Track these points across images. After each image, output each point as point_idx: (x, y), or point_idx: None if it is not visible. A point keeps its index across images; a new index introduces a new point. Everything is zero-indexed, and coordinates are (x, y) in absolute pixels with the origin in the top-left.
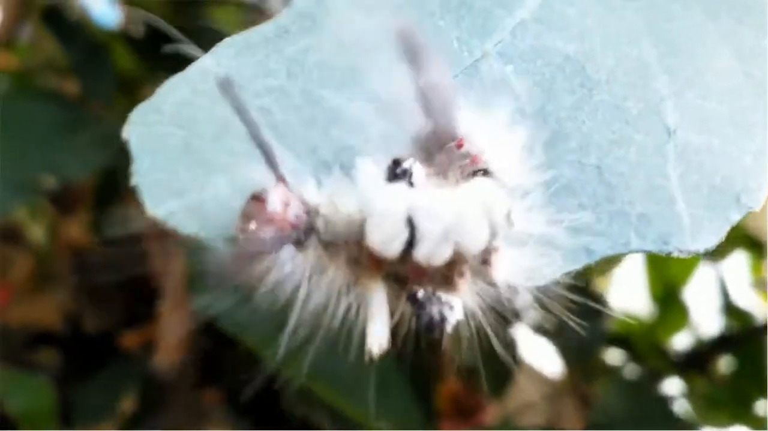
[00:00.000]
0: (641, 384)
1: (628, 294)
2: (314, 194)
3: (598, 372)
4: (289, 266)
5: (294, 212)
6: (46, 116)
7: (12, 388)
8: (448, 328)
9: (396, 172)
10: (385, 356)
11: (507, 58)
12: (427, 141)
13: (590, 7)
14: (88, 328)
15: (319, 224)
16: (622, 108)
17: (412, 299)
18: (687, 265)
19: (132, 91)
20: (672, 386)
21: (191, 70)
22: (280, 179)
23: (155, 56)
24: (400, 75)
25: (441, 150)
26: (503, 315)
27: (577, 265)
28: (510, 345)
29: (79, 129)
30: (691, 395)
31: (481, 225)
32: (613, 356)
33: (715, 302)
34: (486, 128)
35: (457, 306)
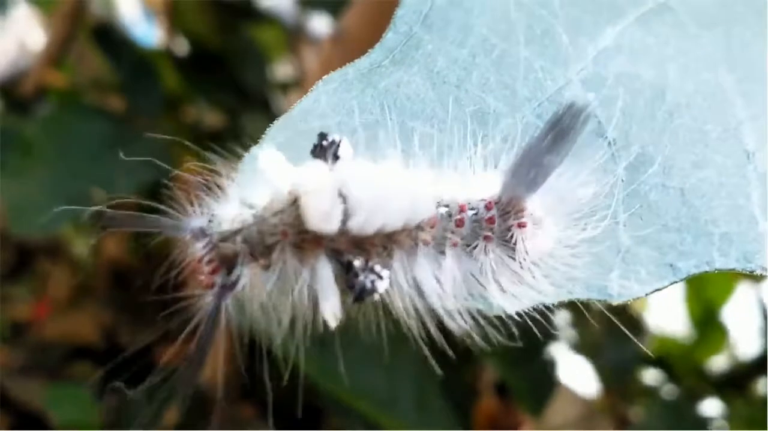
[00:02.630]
0: (680, 405)
1: (667, 315)
2: (231, 219)
3: (635, 393)
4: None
5: (205, 268)
6: (93, 132)
7: (56, 399)
8: (376, 296)
9: (323, 145)
10: (424, 372)
11: (589, 85)
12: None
13: (668, 36)
14: (125, 343)
15: (236, 244)
16: (703, 131)
17: (348, 267)
18: (726, 286)
19: (176, 108)
20: (710, 407)
21: (295, 110)
22: (194, 234)
23: (198, 75)
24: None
25: (499, 212)
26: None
27: (664, 282)
28: (549, 364)
29: (125, 145)
30: (729, 416)
31: (403, 199)
32: (652, 376)
33: (755, 324)
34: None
35: (385, 277)
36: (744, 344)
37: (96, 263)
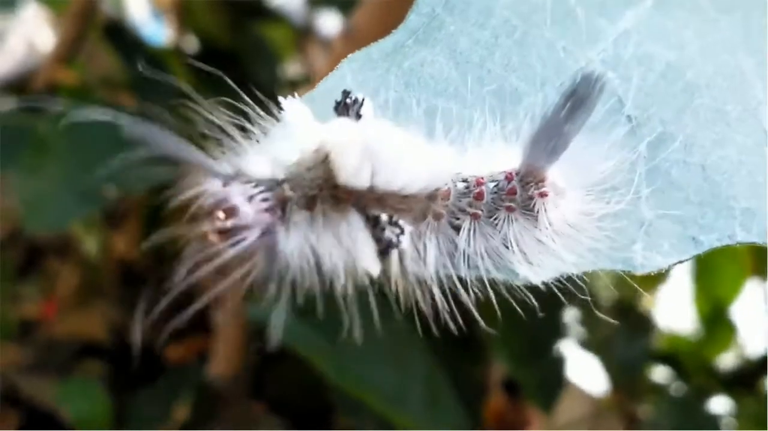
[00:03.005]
0: (688, 402)
1: (676, 313)
2: (267, 168)
3: (644, 390)
4: (287, 241)
5: (259, 203)
6: (104, 130)
7: (68, 395)
8: (400, 249)
9: (346, 102)
10: (434, 369)
11: (610, 65)
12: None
13: (688, 19)
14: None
15: (286, 191)
16: (723, 111)
17: (375, 221)
18: (735, 284)
19: (186, 107)
20: (719, 404)
21: (320, 87)
22: (227, 179)
23: (208, 74)
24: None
25: (520, 183)
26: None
27: (686, 255)
28: (558, 362)
29: (137, 142)
30: (738, 413)
31: (422, 164)
32: (660, 374)
33: (763, 321)
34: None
35: (407, 231)
36: (752, 341)
37: (105, 261)
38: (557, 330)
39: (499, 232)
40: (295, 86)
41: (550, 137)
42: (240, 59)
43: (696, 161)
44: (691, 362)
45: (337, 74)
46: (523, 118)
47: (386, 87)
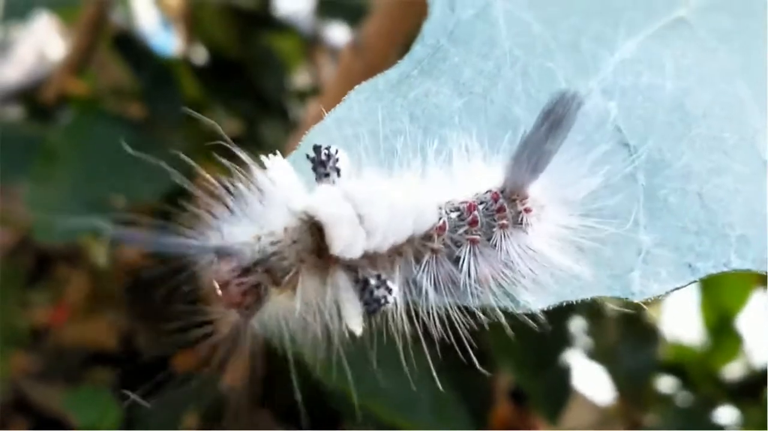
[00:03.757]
0: (694, 412)
1: (682, 323)
2: (251, 245)
3: (650, 400)
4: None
5: (236, 287)
6: (114, 139)
7: (76, 402)
8: (387, 308)
9: (321, 159)
10: (441, 377)
11: (610, 94)
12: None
13: (686, 49)
14: (141, 348)
15: (265, 272)
16: (720, 139)
17: (364, 284)
18: (741, 294)
19: (195, 117)
20: (725, 414)
21: (329, 119)
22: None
23: (217, 83)
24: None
25: (506, 200)
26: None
27: (682, 282)
28: (564, 371)
29: (147, 152)
30: (744, 423)
31: (409, 214)
32: (666, 383)
33: None
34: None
35: (394, 290)
36: (759, 351)
37: (114, 269)
38: (564, 340)
39: (499, 251)
40: (303, 97)
41: (531, 155)
42: (248, 69)
43: (693, 189)
44: (698, 372)
45: (344, 106)
46: None
47: (391, 117)
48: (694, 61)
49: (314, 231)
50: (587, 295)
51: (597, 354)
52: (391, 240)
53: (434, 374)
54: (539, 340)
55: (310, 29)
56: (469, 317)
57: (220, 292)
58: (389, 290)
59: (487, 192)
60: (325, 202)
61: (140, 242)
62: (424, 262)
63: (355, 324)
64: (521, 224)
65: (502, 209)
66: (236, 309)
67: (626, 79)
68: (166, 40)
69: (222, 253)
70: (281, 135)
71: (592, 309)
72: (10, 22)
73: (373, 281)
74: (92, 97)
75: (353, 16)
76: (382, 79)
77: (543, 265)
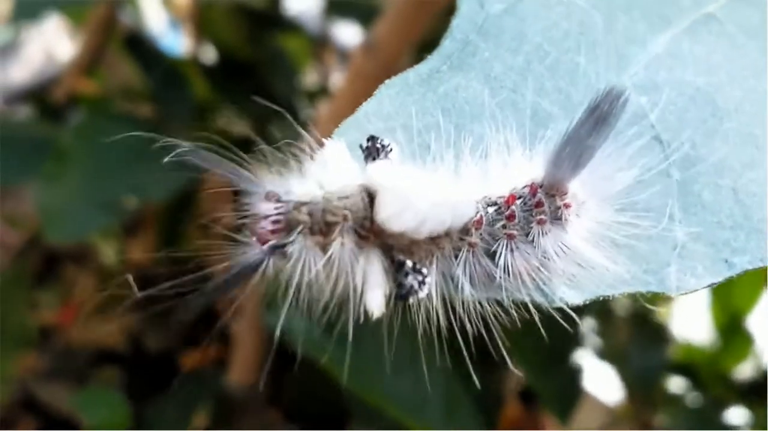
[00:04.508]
0: (705, 413)
1: (692, 323)
2: (304, 193)
3: (660, 400)
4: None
5: (269, 223)
6: (125, 139)
7: (87, 403)
8: (420, 297)
9: (375, 146)
10: (452, 378)
11: (642, 89)
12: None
13: (716, 45)
14: (149, 348)
15: (302, 216)
16: (752, 135)
17: (399, 266)
18: (751, 294)
19: (205, 117)
20: (736, 415)
21: (360, 112)
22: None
23: (227, 83)
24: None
25: (545, 195)
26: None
27: (720, 277)
28: (575, 371)
29: (157, 153)
30: (755, 424)
31: (448, 207)
32: (676, 384)
33: None
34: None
35: (429, 281)
36: None
37: (121, 268)
38: (574, 340)
39: (536, 247)
40: (312, 97)
41: (574, 151)
42: (257, 70)
43: (727, 184)
44: (708, 372)
45: (375, 99)
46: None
47: (423, 111)
48: (724, 56)
49: (366, 200)
50: (623, 290)
51: (607, 355)
52: (429, 228)
53: (446, 374)
54: (550, 340)
55: (318, 29)
56: (485, 316)
57: (255, 223)
58: (423, 281)
59: (525, 187)
60: (381, 172)
61: (206, 162)
62: (462, 256)
63: (375, 303)
64: (560, 219)
65: (541, 204)
66: (262, 242)
67: (658, 74)
68: (175, 41)
69: (271, 194)
70: (292, 135)
71: (602, 310)
72: (20, 23)
73: (409, 265)
74: (102, 97)
75: (364, 15)
76: (412, 74)
77: (579, 262)
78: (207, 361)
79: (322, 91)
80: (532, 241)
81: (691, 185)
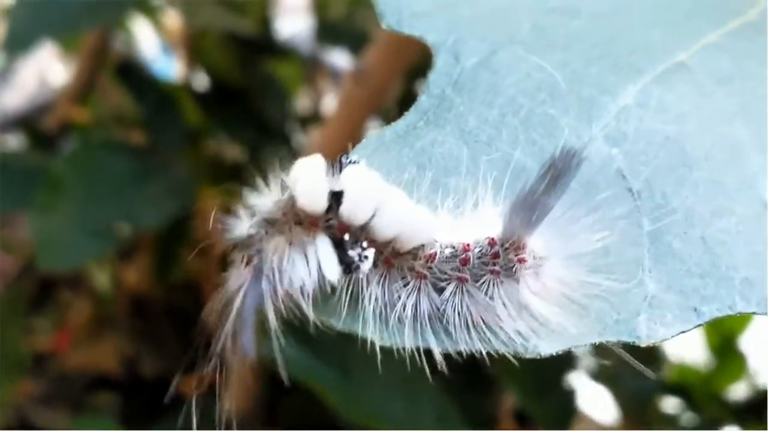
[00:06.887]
0: None
1: (685, 343)
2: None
3: (655, 421)
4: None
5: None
6: (118, 166)
7: (84, 428)
8: (363, 271)
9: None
10: (445, 398)
11: (612, 140)
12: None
13: (686, 93)
14: (145, 373)
15: (254, 228)
16: (721, 183)
17: (339, 243)
18: (744, 314)
19: (197, 143)
20: None
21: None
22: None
23: (219, 109)
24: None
25: (502, 247)
26: None
27: (689, 325)
28: (569, 392)
29: (150, 179)
30: None
31: (400, 211)
32: (671, 404)
33: None
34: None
35: (370, 256)
36: (763, 372)
37: (117, 293)
38: (567, 362)
39: (486, 294)
40: (304, 122)
41: (529, 207)
42: (250, 95)
43: (696, 233)
44: (702, 392)
45: (353, 158)
46: None
47: (399, 168)
48: (694, 105)
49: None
50: (591, 341)
51: (601, 376)
52: (363, 216)
53: (439, 394)
54: (543, 361)
55: (310, 53)
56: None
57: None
58: (364, 254)
59: (485, 238)
60: (296, 166)
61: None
62: (410, 284)
63: (332, 274)
64: (513, 273)
65: (496, 256)
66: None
67: (628, 124)
68: (167, 66)
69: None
70: (283, 161)
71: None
72: (13, 53)
73: (347, 239)
74: (95, 124)
75: (354, 42)
76: (389, 131)
77: (535, 317)
78: (202, 386)
79: (314, 117)
80: (485, 291)
81: (661, 234)
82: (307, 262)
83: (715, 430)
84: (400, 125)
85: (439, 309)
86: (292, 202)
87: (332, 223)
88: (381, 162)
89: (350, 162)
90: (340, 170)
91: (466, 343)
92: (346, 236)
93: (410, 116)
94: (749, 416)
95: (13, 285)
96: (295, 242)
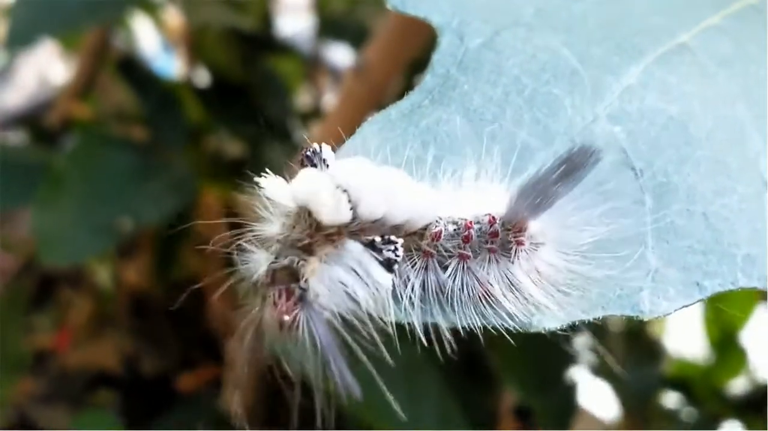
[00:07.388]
0: (700, 428)
1: (686, 338)
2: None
3: (656, 416)
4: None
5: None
6: (119, 163)
7: (85, 426)
8: (397, 265)
9: (307, 156)
10: (446, 394)
11: (616, 119)
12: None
13: (688, 74)
14: (145, 370)
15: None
16: (723, 162)
17: (369, 245)
18: (745, 309)
19: (198, 140)
20: (731, 429)
21: (342, 150)
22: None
23: (220, 105)
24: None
25: (502, 227)
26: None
27: (691, 300)
28: (570, 388)
29: (151, 176)
30: None
31: (405, 196)
32: (671, 399)
33: None
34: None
35: (400, 245)
36: (763, 366)
37: (117, 291)
38: (568, 358)
39: (483, 270)
40: (305, 118)
41: (537, 193)
42: (251, 91)
43: (698, 210)
44: (702, 387)
45: (358, 136)
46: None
47: (405, 146)
48: (697, 86)
49: (308, 210)
50: (596, 315)
51: (602, 371)
52: (383, 209)
53: (440, 391)
54: (544, 357)
55: (310, 50)
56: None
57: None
58: (395, 245)
59: (486, 215)
60: (303, 181)
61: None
62: (417, 263)
63: (383, 278)
64: (509, 253)
65: (495, 234)
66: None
67: (631, 104)
68: (168, 63)
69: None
70: (285, 157)
71: (596, 326)
72: (13, 50)
73: (378, 239)
74: (96, 121)
75: (355, 37)
76: (394, 110)
77: (525, 297)
78: (203, 383)
79: (314, 113)
80: (481, 266)
81: (663, 211)
82: (356, 274)
83: (715, 425)
84: (405, 103)
85: (444, 286)
86: (312, 220)
87: (354, 228)
88: (386, 140)
89: (320, 154)
90: (314, 164)
91: (471, 319)
92: (377, 238)
93: (415, 95)
94: (749, 411)
95: (14, 283)
96: (329, 259)
